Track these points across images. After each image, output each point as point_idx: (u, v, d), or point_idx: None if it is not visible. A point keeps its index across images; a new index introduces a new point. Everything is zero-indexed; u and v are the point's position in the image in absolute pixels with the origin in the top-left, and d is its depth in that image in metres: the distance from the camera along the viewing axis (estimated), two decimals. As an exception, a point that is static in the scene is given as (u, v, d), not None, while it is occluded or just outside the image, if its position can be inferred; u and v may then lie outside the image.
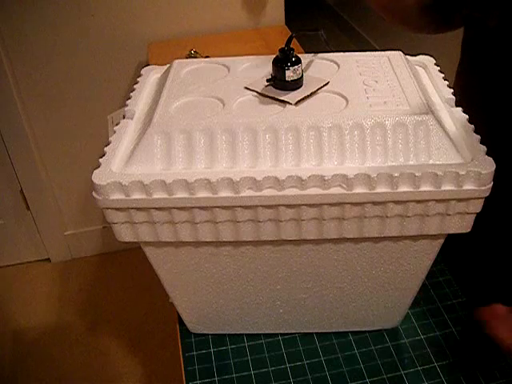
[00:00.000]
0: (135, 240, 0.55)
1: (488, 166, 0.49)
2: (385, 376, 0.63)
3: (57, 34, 1.44)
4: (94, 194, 0.51)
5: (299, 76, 0.57)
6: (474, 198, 0.50)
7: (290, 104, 0.55)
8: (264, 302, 0.64)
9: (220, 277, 0.61)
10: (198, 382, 0.64)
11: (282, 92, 0.57)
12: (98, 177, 0.50)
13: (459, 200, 0.50)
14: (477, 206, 0.51)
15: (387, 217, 0.51)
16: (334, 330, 0.68)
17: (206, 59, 0.68)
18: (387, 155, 0.51)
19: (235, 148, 0.52)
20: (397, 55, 0.64)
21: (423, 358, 0.65)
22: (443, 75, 0.63)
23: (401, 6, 0.74)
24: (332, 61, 0.64)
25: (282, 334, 0.69)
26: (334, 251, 0.57)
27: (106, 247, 1.89)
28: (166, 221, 0.52)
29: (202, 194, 0.50)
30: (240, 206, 0.50)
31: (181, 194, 0.50)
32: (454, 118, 0.56)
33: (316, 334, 0.68)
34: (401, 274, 0.60)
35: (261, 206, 0.50)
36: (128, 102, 0.61)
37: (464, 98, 0.61)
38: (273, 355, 0.67)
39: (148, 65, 0.71)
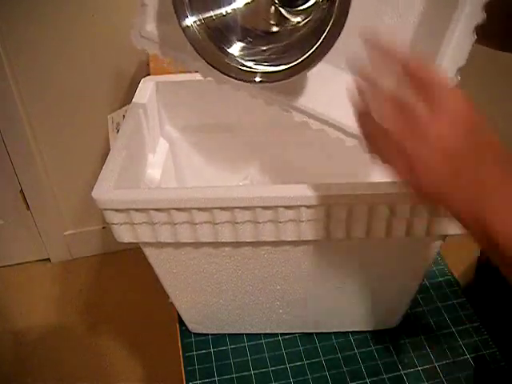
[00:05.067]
0: (135, 241, 0.55)
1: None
2: (385, 376, 0.63)
3: (57, 34, 1.43)
4: (93, 194, 0.51)
5: None
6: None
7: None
8: (264, 302, 0.64)
9: (220, 277, 0.60)
10: (198, 382, 0.64)
11: None
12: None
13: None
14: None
15: (388, 218, 0.51)
16: (334, 330, 0.68)
17: None
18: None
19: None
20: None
21: (423, 358, 0.65)
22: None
23: None
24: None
25: (282, 334, 0.69)
26: (333, 251, 0.57)
27: (106, 247, 1.88)
28: (166, 222, 0.52)
29: (201, 194, 0.50)
30: (239, 207, 0.50)
31: (180, 195, 0.50)
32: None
33: (316, 333, 0.68)
34: (400, 274, 0.60)
35: (260, 206, 0.50)
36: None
37: None
38: (273, 355, 0.66)
39: (148, 64, 0.70)
